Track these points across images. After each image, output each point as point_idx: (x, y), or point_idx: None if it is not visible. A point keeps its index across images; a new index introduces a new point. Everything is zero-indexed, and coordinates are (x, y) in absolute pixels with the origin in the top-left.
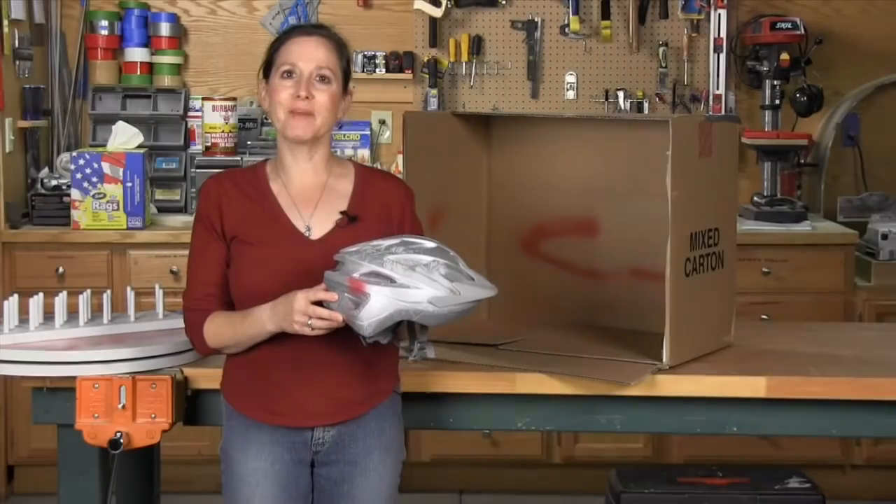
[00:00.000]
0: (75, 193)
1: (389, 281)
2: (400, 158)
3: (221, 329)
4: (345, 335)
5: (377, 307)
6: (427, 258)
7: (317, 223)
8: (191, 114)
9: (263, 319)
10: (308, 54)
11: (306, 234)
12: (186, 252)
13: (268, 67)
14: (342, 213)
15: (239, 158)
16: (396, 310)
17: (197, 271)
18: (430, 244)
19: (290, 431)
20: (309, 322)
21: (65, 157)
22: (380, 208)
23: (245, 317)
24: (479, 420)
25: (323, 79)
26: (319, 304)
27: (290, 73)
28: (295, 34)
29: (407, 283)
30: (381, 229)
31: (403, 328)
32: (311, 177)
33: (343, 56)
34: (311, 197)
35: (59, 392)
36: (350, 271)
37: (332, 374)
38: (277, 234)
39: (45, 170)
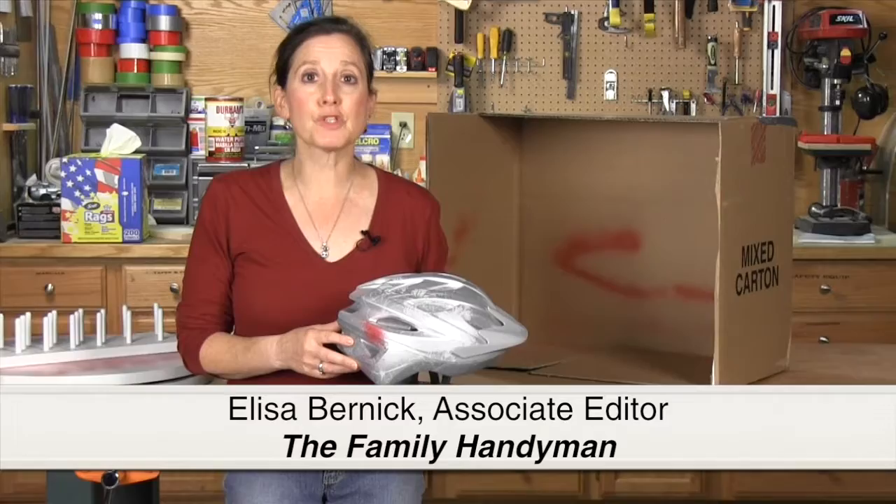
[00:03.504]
0: (66, 203)
1: (409, 328)
2: (423, 165)
3: (221, 356)
4: (359, 380)
5: (395, 357)
6: (452, 303)
7: (335, 243)
8: (193, 116)
9: (269, 354)
10: (330, 53)
11: (323, 256)
12: (186, 262)
13: (282, 71)
14: (364, 233)
15: (246, 164)
16: (416, 361)
17: (196, 286)
18: (455, 285)
19: None
20: (320, 366)
21: (54, 163)
22: (404, 226)
23: (248, 347)
24: None
25: (349, 79)
26: (332, 346)
27: (311, 77)
28: (311, 32)
29: (428, 331)
30: (404, 250)
31: (425, 373)
32: (331, 188)
33: (366, 51)
34: (329, 212)
35: None
36: (367, 315)
37: None
38: (291, 254)
39: (33, 177)
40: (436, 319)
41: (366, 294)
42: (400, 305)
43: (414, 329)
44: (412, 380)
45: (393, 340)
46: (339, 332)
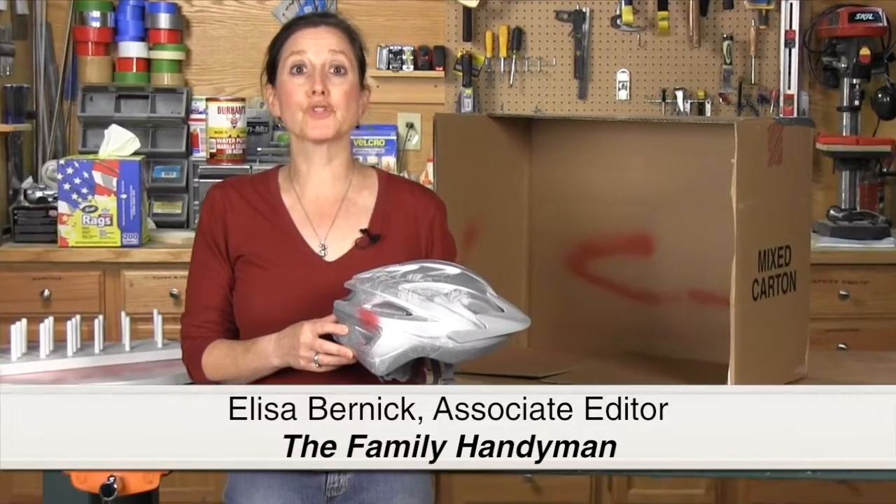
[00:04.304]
0: (63, 206)
1: (404, 313)
2: (430, 167)
3: (222, 360)
4: (359, 371)
5: (390, 343)
6: (448, 287)
7: (333, 242)
8: (193, 116)
9: (268, 352)
10: (317, 44)
11: (321, 255)
12: (188, 273)
13: (272, 68)
14: (362, 231)
15: (248, 167)
16: (412, 346)
17: (197, 294)
18: (452, 270)
19: (301, 474)
20: (316, 358)
21: (51, 165)
22: (406, 226)
23: (248, 349)
24: None
25: (338, 70)
26: (329, 337)
27: (299, 69)
28: (300, 26)
29: (424, 315)
30: (406, 250)
31: (426, 363)
32: (328, 187)
33: (356, 44)
34: (327, 211)
35: None
36: (361, 301)
37: None
38: (289, 255)
39: (29, 180)
40: (431, 303)
41: (361, 281)
42: (394, 290)
43: (409, 314)
44: (413, 370)
45: (387, 325)
46: (337, 323)
